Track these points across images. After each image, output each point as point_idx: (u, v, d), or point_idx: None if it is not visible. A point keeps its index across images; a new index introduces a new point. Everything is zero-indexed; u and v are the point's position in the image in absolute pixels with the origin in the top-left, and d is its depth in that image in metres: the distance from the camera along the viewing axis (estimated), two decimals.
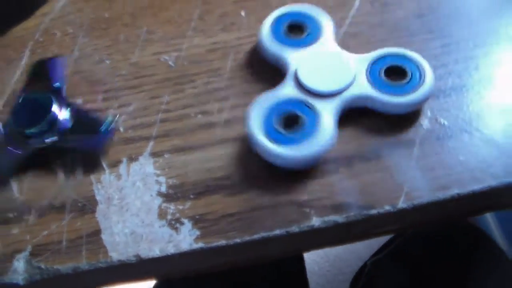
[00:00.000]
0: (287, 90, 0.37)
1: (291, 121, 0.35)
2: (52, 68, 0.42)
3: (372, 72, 0.37)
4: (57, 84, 0.41)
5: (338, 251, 1.23)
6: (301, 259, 0.71)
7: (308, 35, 0.39)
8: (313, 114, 0.35)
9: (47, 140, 0.38)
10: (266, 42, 0.39)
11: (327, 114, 0.35)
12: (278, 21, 0.40)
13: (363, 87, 0.36)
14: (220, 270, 0.38)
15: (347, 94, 0.36)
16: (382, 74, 0.36)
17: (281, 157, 0.34)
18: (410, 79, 0.36)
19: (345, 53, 0.38)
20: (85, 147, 0.38)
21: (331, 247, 0.38)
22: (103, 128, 0.38)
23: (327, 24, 0.40)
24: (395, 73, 0.36)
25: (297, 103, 0.36)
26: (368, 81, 0.36)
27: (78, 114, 0.39)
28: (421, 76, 0.36)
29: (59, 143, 0.38)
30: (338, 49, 0.38)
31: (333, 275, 1.19)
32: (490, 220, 0.67)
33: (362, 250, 1.13)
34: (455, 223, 0.61)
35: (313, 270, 1.19)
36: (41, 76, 0.42)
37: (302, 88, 0.36)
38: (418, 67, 0.36)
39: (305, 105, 0.36)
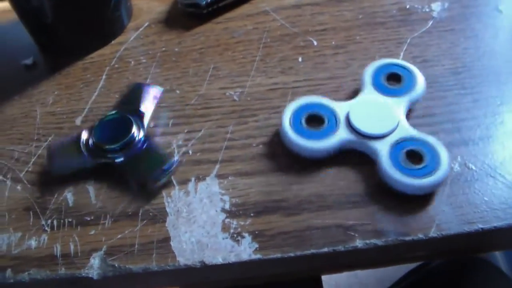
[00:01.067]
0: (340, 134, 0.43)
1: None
2: (144, 93, 0.47)
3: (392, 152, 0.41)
4: (142, 110, 0.46)
5: (349, 283, 1.27)
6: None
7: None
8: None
9: (119, 159, 0.43)
10: None
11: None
12: None
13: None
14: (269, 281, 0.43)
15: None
16: (401, 157, 0.40)
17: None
18: (425, 165, 0.40)
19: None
20: (142, 178, 0.43)
21: (369, 268, 0.43)
22: (166, 165, 0.43)
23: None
24: (413, 157, 0.41)
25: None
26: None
27: (151, 143, 0.44)
28: (436, 165, 0.40)
29: (125, 165, 0.43)
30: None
31: None
32: (497, 254, 0.71)
33: (372, 284, 1.16)
34: (467, 259, 0.65)
35: None
36: (134, 98, 0.47)
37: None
38: (435, 153, 0.40)
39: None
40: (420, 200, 0.40)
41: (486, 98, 0.45)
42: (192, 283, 0.42)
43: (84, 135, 0.45)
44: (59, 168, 0.44)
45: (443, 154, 0.40)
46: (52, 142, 0.47)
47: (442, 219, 0.39)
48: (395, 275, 0.73)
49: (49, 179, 0.44)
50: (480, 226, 0.38)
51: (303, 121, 0.43)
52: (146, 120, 0.45)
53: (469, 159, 0.42)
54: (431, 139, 0.41)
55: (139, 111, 0.46)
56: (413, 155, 0.40)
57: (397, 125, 0.42)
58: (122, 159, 0.43)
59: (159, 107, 0.48)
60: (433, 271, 0.66)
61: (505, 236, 0.40)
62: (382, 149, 0.41)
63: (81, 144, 0.44)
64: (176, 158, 0.44)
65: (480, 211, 0.39)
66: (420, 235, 0.38)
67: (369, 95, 0.44)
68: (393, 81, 0.45)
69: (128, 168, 0.43)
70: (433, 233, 0.38)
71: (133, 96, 0.48)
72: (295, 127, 0.43)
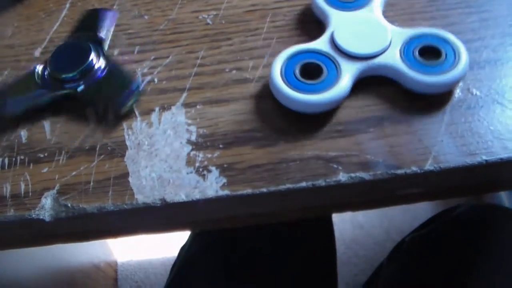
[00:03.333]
0: (318, 45, 0.37)
1: (313, 71, 0.36)
2: (101, 19, 0.43)
3: (407, 48, 0.37)
4: (101, 36, 0.41)
5: (355, 234, 1.22)
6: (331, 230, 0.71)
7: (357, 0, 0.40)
8: (335, 70, 0.36)
9: (80, 88, 0.38)
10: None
11: (348, 73, 0.36)
12: None
13: (395, 60, 0.36)
14: (242, 225, 0.39)
15: (375, 61, 0.36)
16: (416, 53, 0.36)
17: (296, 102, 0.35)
18: (444, 60, 0.36)
19: (386, 23, 0.38)
20: (108, 103, 0.39)
21: (354, 210, 0.38)
22: (132, 86, 0.39)
23: None
24: (430, 53, 0.36)
25: (323, 57, 0.37)
26: (401, 55, 0.36)
27: (112, 67, 0.40)
28: (455, 59, 0.36)
29: (89, 92, 0.38)
30: (381, 18, 0.39)
31: (348, 257, 1.19)
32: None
33: (379, 235, 1.12)
34: (492, 206, 0.61)
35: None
36: (90, 24, 0.43)
37: (334, 46, 0.37)
38: (454, 50, 0.36)
39: (331, 60, 0.36)
40: (414, 129, 0.34)
41: (495, 18, 0.39)
42: (154, 228, 0.38)
43: (39, 67, 0.40)
44: (12, 107, 0.40)
45: (462, 49, 0.36)
46: (2, 80, 0.42)
47: (440, 150, 0.33)
48: (403, 227, 0.68)
49: (2, 117, 0.39)
50: (484, 158, 0.33)
51: (297, 72, 0.36)
52: (105, 46, 0.40)
53: (473, 84, 0.36)
54: (447, 34, 0.37)
55: (97, 36, 0.41)
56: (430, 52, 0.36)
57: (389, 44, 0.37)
58: (82, 87, 0.38)
59: (120, 32, 0.43)
60: (455, 218, 0.62)
61: None
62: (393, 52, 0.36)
63: (35, 77, 0.40)
64: (139, 78, 0.39)
65: (484, 141, 0.34)
66: (414, 168, 0.33)
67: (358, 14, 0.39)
68: None
69: (90, 95, 0.38)
70: (429, 165, 0.33)
71: (89, 22, 0.43)
72: (289, 81, 0.36)
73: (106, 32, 0.42)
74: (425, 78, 0.35)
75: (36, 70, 0.40)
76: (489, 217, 0.60)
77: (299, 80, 0.36)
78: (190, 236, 0.68)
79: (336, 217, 1.25)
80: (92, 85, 0.39)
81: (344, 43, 0.37)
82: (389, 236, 0.79)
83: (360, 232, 1.20)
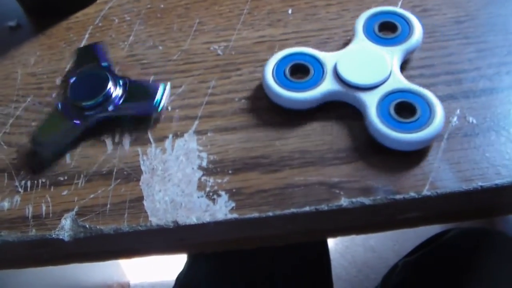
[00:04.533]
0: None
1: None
2: (96, 51, 0.45)
3: (382, 107, 0.37)
4: (104, 64, 0.44)
5: (366, 257, 1.24)
6: (328, 262, 0.72)
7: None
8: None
9: (103, 113, 0.41)
10: None
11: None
12: None
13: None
14: (250, 247, 0.40)
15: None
16: (391, 110, 0.37)
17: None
18: (417, 119, 0.36)
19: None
20: (140, 113, 0.41)
21: (358, 234, 0.40)
22: (157, 94, 0.41)
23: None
24: (404, 109, 0.37)
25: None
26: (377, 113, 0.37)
27: (132, 84, 0.42)
28: (429, 118, 0.36)
29: (115, 113, 0.41)
30: None
31: (359, 280, 1.19)
32: None
33: (391, 258, 1.13)
34: (481, 232, 0.62)
35: (340, 274, 1.20)
36: (88, 58, 0.45)
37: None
38: (429, 106, 0.36)
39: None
40: (413, 156, 0.36)
41: (491, 48, 0.41)
42: (167, 248, 0.40)
43: (59, 103, 0.42)
44: (54, 148, 0.41)
45: (438, 107, 0.36)
46: (25, 107, 0.45)
47: (437, 176, 0.35)
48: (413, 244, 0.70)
49: (26, 140, 0.42)
50: (480, 183, 0.35)
51: (287, 71, 0.40)
52: (114, 70, 0.44)
53: (469, 112, 0.38)
54: (424, 91, 0.37)
55: (101, 66, 0.44)
56: (405, 108, 0.37)
57: (389, 76, 0.38)
58: (111, 108, 0.41)
59: (136, 62, 0.46)
60: (448, 242, 0.63)
61: (508, 196, 0.36)
62: (371, 101, 0.37)
63: (61, 111, 0.42)
64: (162, 84, 0.42)
65: (480, 167, 0.35)
66: (412, 193, 0.35)
67: (360, 44, 0.40)
68: (387, 30, 0.41)
69: (123, 110, 0.41)
70: (426, 191, 0.35)
71: (86, 57, 0.45)
72: (278, 78, 0.40)
73: (106, 60, 0.44)
74: (398, 135, 0.36)
75: (58, 106, 0.42)
76: (480, 241, 0.61)
77: (288, 79, 0.40)
78: (186, 264, 0.70)
79: (348, 241, 1.27)
80: (115, 107, 0.41)
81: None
82: (400, 258, 0.80)
83: (372, 255, 1.21)
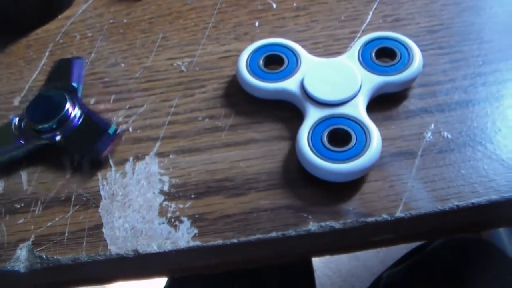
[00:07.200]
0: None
1: None
2: (73, 67, 0.43)
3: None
4: (74, 84, 0.42)
5: (351, 266, 1.21)
6: (311, 272, 0.71)
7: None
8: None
9: (56, 138, 0.38)
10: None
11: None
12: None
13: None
14: (224, 271, 0.38)
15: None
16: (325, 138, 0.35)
17: None
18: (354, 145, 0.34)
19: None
20: (83, 155, 0.39)
21: (328, 255, 0.38)
22: (106, 134, 0.39)
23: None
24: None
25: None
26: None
27: (87, 117, 0.40)
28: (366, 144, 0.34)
29: (66, 142, 0.39)
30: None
31: None
32: (503, 236, 0.66)
33: (375, 266, 1.11)
34: (468, 240, 0.60)
35: (325, 284, 1.17)
36: (62, 74, 0.43)
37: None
38: (365, 132, 0.35)
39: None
40: (385, 173, 0.34)
41: (466, 58, 0.39)
42: (129, 276, 0.38)
43: (16, 119, 0.40)
44: None
45: (375, 133, 0.34)
46: None
47: (411, 197, 0.33)
48: (399, 257, 0.68)
49: None
50: (456, 203, 0.33)
51: (261, 62, 0.39)
52: (79, 93, 0.41)
53: (444, 127, 0.36)
54: (361, 116, 0.35)
55: (70, 85, 0.41)
56: (340, 136, 0.35)
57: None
58: (59, 137, 0.38)
59: (97, 81, 0.43)
60: (433, 252, 0.62)
61: (485, 214, 0.34)
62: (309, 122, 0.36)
63: (12, 128, 0.40)
64: (113, 126, 0.39)
65: (455, 186, 0.33)
66: (385, 216, 0.33)
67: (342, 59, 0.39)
68: (385, 57, 0.39)
69: (67, 145, 0.38)
70: (400, 212, 0.33)
71: (60, 72, 0.43)
72: (252, 68, 0.39)
73: (78, 80, 0.42)
74: (330, 166, 0.33)
75: (13, 121, 0.40)
76: (466, 251, 0.60)
77: (262, 70, 0.39)
78: (169, 280, 0.68)
79: None
80: (68, 135, 0.39)
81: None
82: (385, 267, 0.78)
83: (356, 264, 1.18)
